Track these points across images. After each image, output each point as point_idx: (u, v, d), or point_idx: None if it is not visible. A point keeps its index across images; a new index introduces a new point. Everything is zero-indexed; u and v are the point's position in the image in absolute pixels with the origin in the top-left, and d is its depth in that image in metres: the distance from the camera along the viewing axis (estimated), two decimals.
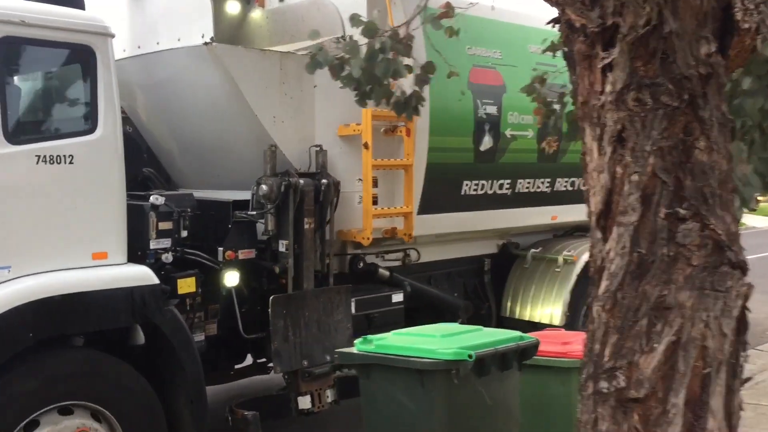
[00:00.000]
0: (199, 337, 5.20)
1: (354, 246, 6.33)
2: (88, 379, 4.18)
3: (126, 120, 5.58)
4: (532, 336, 4.57)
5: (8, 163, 4.00)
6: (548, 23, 3.14)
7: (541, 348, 4.49)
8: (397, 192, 6.07)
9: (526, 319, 7.25)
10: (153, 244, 4.67)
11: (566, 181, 7.43)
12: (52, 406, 4.09)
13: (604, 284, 2.65)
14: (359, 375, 4.28)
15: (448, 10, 4.62)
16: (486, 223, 6.89)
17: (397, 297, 6.25)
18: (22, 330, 3.89)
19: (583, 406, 2.69)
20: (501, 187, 6.80)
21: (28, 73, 4.31)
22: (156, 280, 4.44)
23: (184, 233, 4.95)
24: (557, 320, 7.05)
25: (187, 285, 4.71)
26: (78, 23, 4.28)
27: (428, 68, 4.70)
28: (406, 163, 5.91)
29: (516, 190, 6.95)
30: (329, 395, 5.55)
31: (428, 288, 6.97)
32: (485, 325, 7.44)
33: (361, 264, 6.34)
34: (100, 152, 4.35)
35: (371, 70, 4.05)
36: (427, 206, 6.22)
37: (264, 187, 5.29)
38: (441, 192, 6.32)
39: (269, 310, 5.25)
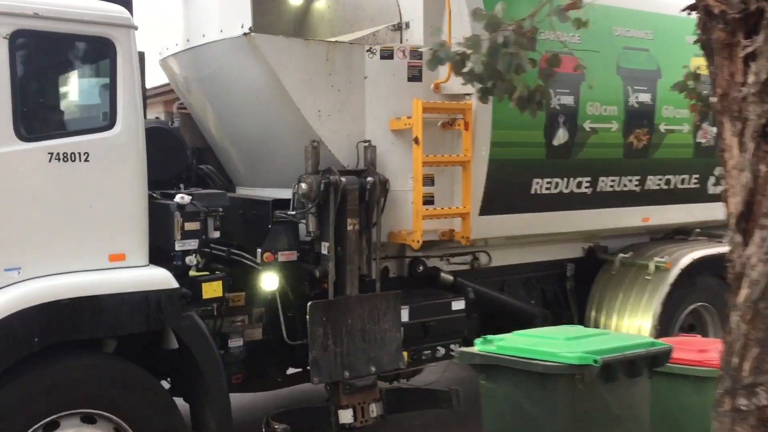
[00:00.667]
0: (236, 342, 4.97)
1: (412, 248, 5.91)
2: (104, 386, 4.00)
3: (169, 115, 5.44)
4: (664, 342, 4.39)
5: (19, 161, 3.87)
6: (683, 10, 3.03)
7: (674, 355, 4.28)
8: (457, 191, 5.59)
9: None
10: (178, 246, 4.45)
11: (659, 179, 6.67)
12: (70, 412, 3.95)
13: (744, 292, 2.53)
14: (478, 375, 4.21)
15: (576, 1, 4.29)
16: (561, 226, 6.27)
17: (458, 304, 5.79)
18: (26, 335, 3.75)
19: (718, 423, 2.59)
20: (579, 185, 6.16)
21: (42, 68, 4.16)
22: (174, 284, 4.21)
23: (216, 234, 4.71)
24: (646, 333, 6.33)
25: (212, 289, 4.46)
26: (96, 15, 4.11)
27: (553, 62, 4.48)
28: (462, 159, 5.41)
29: (598, 189, 6.28)
30: (374, 409, 5.17)
31: (498, 295, 6.45)
32: None
33: (421, 267, 5.92)
34: (119, 150, 4.16)
35: (494, 64, 3.97)
36: (491, 206, 5.70)
37: (303, 185, 4.97)
38: (506, 191, 5.78)
39: (307, 316, 4.93)
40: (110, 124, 4.14)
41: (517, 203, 5.87)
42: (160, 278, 4.17)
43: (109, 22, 4.14)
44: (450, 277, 6.07)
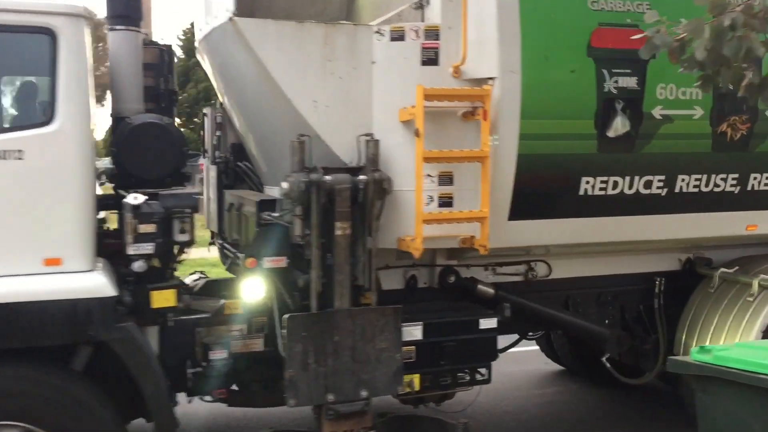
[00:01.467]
0: (219, 354, 4.58)
1: (447, 255, 5.21)
2: (25, 400, 3.77)
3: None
4: None
5: None
6: None
7: None
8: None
9: None
10: (131, 249, 4.12)
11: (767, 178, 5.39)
12: None
13: None
14: (694, 387, 4.06)
15: None
16: (626, 233, 5.24)
17: (488, 323, 5.00)
18: None
19: None
20: (649, 185, 5.09)
21: None
22: (109, 292, 3.89)
23: (184, 237, 4.34)
24: None
25: (164, 298, 4.09)
26: (34, 3, 3.86)
27: None
28: (478, 155, 4.61)
29: (676, 190, 5.16)
30: None
31: (556, 312, 5.55)
32: (647, 364, 5.87)
33: (453, 278, 5.20)
34: (57, 147, 3.90)
35: (719, 50, 3.66)
36: (523, 210, 4.84)
37: (284, 184, 4.46)
38: (544, 192, 4.88)
39: (284, 331, 4.43)
40: (47, 120, 3.88)
41: (561, 206, 4.95)
42: (92, 285, 3.86)
43: (49, 11, 3.88)
44: (490, 290, 5.29)
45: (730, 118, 5.16)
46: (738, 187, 5.33)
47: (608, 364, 5.83)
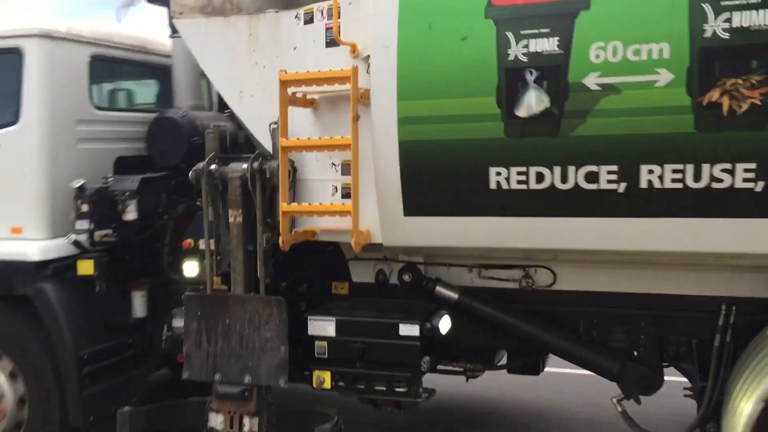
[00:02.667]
0: (178, 322, 5.12)
1: (411, 252, 4.82)
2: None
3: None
4: None
5: None
6: None
7: None
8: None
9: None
10: (77, 225, 5.00)
11: None
12: None
13: None
14: None
15: None
16: (578, 241, 4.03)
17: (409, 330, 4.49)
18: None
19: None
20: (593, 178, 3.84)
21: None
22: (30, 258, 4.84)
23: (129, 216, 5.04)
24: None
25: (85, 267, 4.88)
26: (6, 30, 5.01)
27: None
28: (341, 142, 4.17)
29: (640, 185, 3.78)
30: (247, 424, 4.62)
31: (543, 333, 4.58)
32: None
33: (407, 276, 4.79)
34: (22, 140, 5.00)
35: None
36: (419, 206, 4.19)
37: (191, 174, 4.78)
38: (446, 185, 4.11)
39: (183, 307, 4.79)
40: (14, 120, 5.01)
41: (470, 202, 4.11)
42: (19, 251, 4.86)
43: (17, 35, 4.98)
44: (453, 295, 4.69)
45: (727, 82, 3.53)
46: (760, 183, 3.60)
47: (619, 408, 4.48)
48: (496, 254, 4.58)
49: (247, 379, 4.61)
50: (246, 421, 4.62)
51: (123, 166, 5.50)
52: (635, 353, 4.49)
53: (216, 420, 4.68)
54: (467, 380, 5.34)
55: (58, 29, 5.11)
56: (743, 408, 3.66)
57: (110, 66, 5.61)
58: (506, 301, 4.67)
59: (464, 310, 4.64)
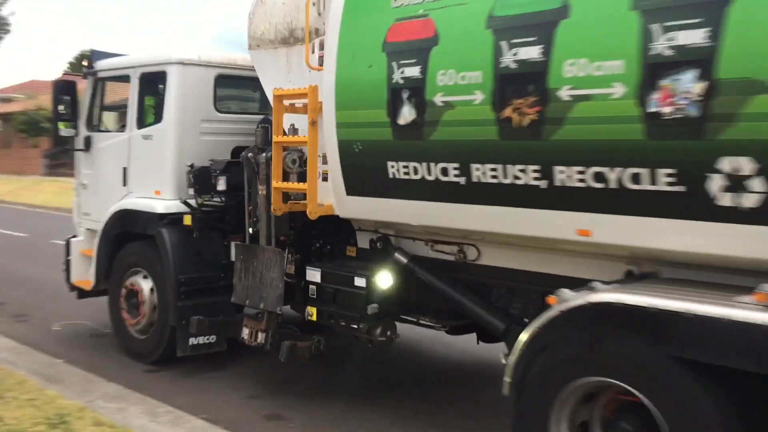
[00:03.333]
0: None
1: (386, 226, 6.38)
2: (141, 257, 7.67)
3: None
4: None
5: (133, 140, 7.85)
6: None
7: None
8: None
9: None
10: (188, 192, 7.38)
11: (580, 173, 4.37)
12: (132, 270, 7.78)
13: None
14: None
15: None
16: (440, 219, 5.24)
17: (360, 281, 6.05)
18: (113, 227, 7.80)
19: None
20: (445, 173, 5.05)
21: (149, 90, 7.81)
22: (156, 211, 7.32)
23: (220, 187, 7.26)
24: None
25: (187, 220, 7.21)
26: (157, 59, 7.58)
27: None
28: (302, 140, 5.89)
29: (473, 179, 4.90)
30: (260, 337, 6.54)
31: (454, 293, 5.80)
32: None
33: (379, 244, 6.34)
34: (164, 133, 7.53)
35: None
36: (354, 188, 5.72)
37: (241, 158, 6.81)
38: (363, 173, 5.60)
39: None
40: (160, 120, 7.57)
41: (380, 187, 5.52)
42: (152, 205, 7.37)
43: (165, 62, 7.52)
44: (403, 260, 6.12)
45: (514, 102, 4.54)
46: (544, 181, 4.53)
47: (504, 361, 5.46)
48: (439, 232, 5.86)
49: (261, 305, 6.55)
50: (260, 335, 6.57)
51: (238, 153, 7.75)
52: (525, 320, 5.46)
53: (244, 333, 6.70)
54: (478, 342, 6.67)
55: (191, 57, 7.52)
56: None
57: (229, 81, 7.89)
58: (445, 270, 5.92)
59: (410, 272, 6.00)
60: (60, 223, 17.24)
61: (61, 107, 8.25)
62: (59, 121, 8.36)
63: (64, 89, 8.31)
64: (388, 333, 6.15)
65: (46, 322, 9.22)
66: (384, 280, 5.96)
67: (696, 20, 3.75)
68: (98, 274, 8.09)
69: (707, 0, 3.75)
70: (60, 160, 36.93)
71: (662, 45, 3.87)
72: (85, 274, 8.37)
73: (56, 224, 18.20)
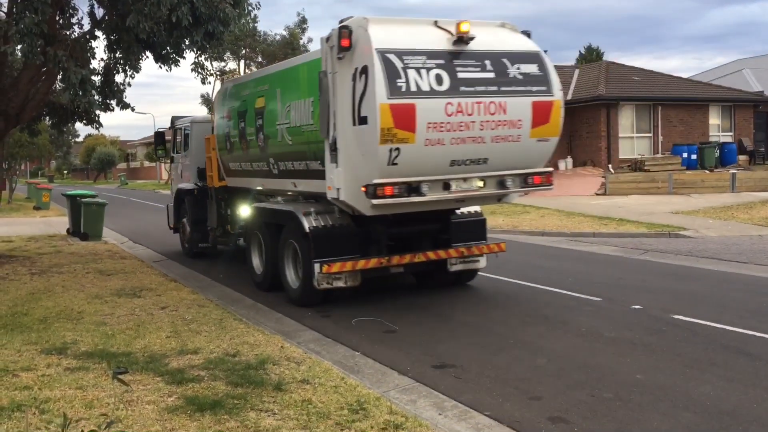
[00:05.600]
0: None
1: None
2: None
3: None
4: None
5: (176, 159, 16.27)
6: None
7: None
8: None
9: None
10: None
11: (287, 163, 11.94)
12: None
13: None
14: None
15: None
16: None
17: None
18: (178, 196, 16.28)
19: None
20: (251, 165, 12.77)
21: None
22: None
23: None
24: None
25: None
26: (187, 121, 15.93)
27: None
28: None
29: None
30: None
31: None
32: None
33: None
34: (186, 158, 15.88)
35: None
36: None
37: None
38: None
39: None
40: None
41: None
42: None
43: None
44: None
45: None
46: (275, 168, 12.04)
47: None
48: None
49: None
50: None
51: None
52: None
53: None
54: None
55: (197, 117, 15.76)
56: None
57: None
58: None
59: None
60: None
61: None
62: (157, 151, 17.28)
63: (159, 135, 17.14)
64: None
65: (347, 317, 9.57)
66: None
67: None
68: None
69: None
70: None
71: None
72: None
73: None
